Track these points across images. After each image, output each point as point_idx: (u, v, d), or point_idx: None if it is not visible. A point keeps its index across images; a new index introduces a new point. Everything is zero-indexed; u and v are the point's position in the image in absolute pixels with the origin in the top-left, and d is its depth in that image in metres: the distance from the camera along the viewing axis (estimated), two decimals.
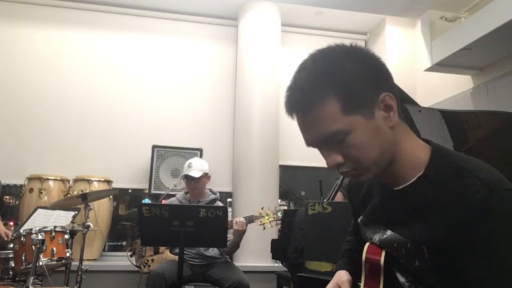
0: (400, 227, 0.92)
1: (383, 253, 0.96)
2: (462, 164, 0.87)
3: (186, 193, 3.29)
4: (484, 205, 0.79)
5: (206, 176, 3.19)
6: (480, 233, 0.79)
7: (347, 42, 0.91)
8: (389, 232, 0.95)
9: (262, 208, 3.07)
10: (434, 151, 0.92)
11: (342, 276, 1.10)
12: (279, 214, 3.06)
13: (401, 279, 0.95)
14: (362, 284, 1.01)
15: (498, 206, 0.79)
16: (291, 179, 4.94)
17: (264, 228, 3.05)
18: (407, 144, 0.91)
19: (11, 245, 2.61)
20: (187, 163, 3.20)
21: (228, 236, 3.05)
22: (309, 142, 0.91)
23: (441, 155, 0.91)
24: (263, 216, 3.02)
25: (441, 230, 0.83)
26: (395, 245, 0.92)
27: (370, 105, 0.85)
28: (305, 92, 0.85)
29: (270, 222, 3.02)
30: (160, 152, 4.10)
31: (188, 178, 3.13)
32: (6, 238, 2.75)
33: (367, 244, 1.00)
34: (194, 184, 3.14)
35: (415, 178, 0.90)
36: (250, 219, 3.05)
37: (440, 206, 0.85)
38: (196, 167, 3.13)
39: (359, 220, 1.08)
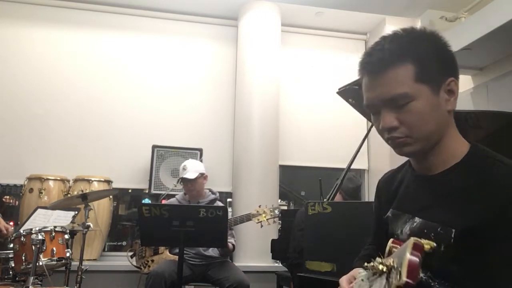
0: (432, 212, 0.96)
1: None
2: (497, 157, 0.92)
3: (185, 193, 3.29)
4: None
5: (202, 176, 3.19)
6: (510, 218, 0.82)
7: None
8: (417, 220, 0.98)
9: (259, 206, 3.06)
10: (473, 146, 0.98)
11: (358, 270, 1.10)
12: (276, 212, 3.05)
13: (420, 273, 0.96)
14: None
15: None
16: (291, 179, 4.94)
17: (262, 226, 3.04)
18: (452, 133, 0.98)
19: (11, 245, 2.61)
20: (181, 165, 3.20)
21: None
22: (372, 102, 0.97)
23: (479, 150, 0.97)
24: (260, 214, 3.02)
25: (473, 215, 0.87)
26: (425, 231, 0.95)
27: (438, 83, 0.94)
28: (387, 52, 0.94)
29: (267, 219, 3.01)
30: (160, 152, 4.10)
31: (184, 180, 3.13)
32: (5, 232, 2.74)
33: (391, 240, 1.01)
34: (191, 185, 3.15)
35: (451, 165, 0.96)
36: (247, 217, 3.05)
37: (473, 193, 0.89)
38: (190, 169, 3.13)
39: (389, 213, 1.10)
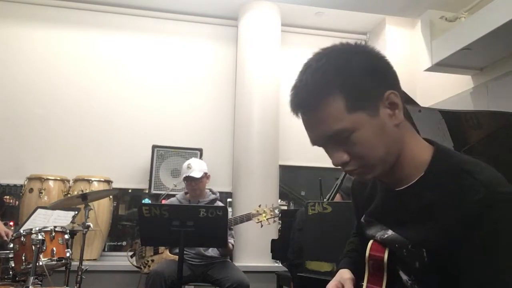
0: (401, 228, 0.93)
1: (387, 251, 0.96)
2: (462, 165, 0.87)
3: (186, 193, 3.29)
4: (482, 207, 0.79)
5: (206, 176, 3.20)
6: (477, 235, 0.79)
7: (351, 41, 0.93)
8: (390, 232, 0.96)
9: (259, 206, 3.06)
10: (436, 152, 0.92)
11: (344, 274, 1.10)
12: (277, 211, 3.06)
13: (404, 277, 0.95)
14: (365, 281, 1.01)
15: (496, 208, 0.79)
16: (291, 179, 4.94)
17: (262, 226, 3.04)
18: (411, 143, 0.92)
19: (11, 245, 2.61)
20: (185, 164, 3.19)
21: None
22: (315, 141, 0.91)
23: (443, 156, 0.91)
24: (260, 214, 3.03)
25: (440, 233, 0.84)
26: (396, 245, 0.93)
27: (375, 102, 0.86)
28: (311, 90, 0.86)
29: (267, 219, 3.01)
30: (160, 152, 4.10)
31: (189, 179, 3.12)
32: (6, 238, 2.75)
33: (371, 241, 1.01)
34: (195, 184, 3.14)
35: (416, 179, 0.91)
36: (247, 217, 3.05)
37: (439, 208, 0.85)
38: (196, 168, 3.13)
39: (362, 219, 1.08)
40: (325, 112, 0.85)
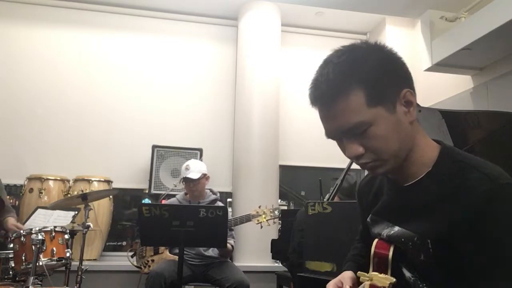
0: (408, 222, 0.95)
1: (392, 248, 0.98)
2: (468, 161, 0.91)
3: (186, 193, 3.28)
4: (487, 197, 0.82)
5: (204, 177, 3.19)
6: (482, 225, 0.82)
7: (371, 41, 0.98)
8: (396, 228, 0.98)
9: (259, 207, 3.06)
10: (443, 149, 0.95)
11: (346, 274, 1.12)
12: (276, 213, 3.06)
13: (407, 274, 0.97)
14: None
15: (501, 199, 0.82)
16: (291, 179, 4.94)
17: (261, 227, 3.04)
18: (421, 141, 0.96)
19: (11, 245, 2.60)
20: (184, 165, 3.19)
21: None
22: (331, 133, 0.95)
23: (449, 153, 0.94)
24: (260, 215, 3.03)
25: (446, 224, 0.86)
26: (402, 239, 0.95)
27: (393, 99, 0.90)
28: (332, 83, 0.90)
29: (267, 220, 3.01)
30: (160, 152, 4.10)
31: (187, 180, 3.12)
32: (19, 230, 2.72)
33: (376, 239, 1.02)
34: (193, 186, 3.14)
35: (423, 175, 0.94)
36: (247, 218, 3.05)
37: (445, 201, 0.88)
38: (194, 169, 3.13)
39: (368, 219, 1.10)
40: (345, 105, 0.88)
